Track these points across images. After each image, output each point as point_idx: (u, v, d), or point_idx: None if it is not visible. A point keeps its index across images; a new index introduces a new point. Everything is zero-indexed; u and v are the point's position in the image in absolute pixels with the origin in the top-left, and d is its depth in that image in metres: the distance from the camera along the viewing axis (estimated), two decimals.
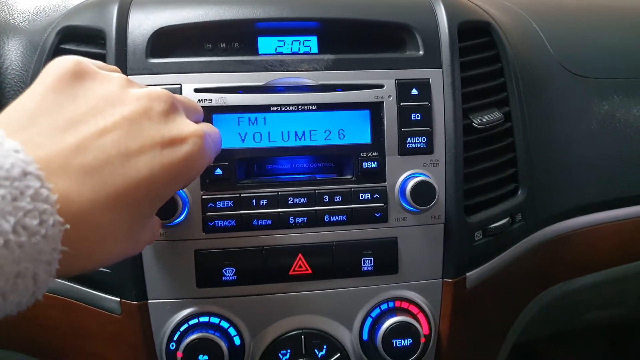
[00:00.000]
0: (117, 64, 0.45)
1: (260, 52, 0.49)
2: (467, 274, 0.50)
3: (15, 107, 0.28)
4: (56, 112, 0.28)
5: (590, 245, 0.59)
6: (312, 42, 0.50)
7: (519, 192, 0.53)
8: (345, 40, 0.50)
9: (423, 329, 0.48)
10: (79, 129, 0.28)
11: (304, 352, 0.47)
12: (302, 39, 0.49)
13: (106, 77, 0.31)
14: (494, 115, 0.51)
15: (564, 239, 0.58)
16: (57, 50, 0.48)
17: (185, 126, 0.33)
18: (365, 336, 0.48)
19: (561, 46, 0.62)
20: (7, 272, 0.22)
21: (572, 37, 0.64)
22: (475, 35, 0.53)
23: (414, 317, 0.48)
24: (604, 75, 0.62)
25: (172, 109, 0.33)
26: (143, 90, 0.32)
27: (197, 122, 0.38)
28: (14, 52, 0.50)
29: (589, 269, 0.60)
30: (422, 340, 0.47)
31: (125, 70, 0.46)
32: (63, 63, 0.30)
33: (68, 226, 0.25)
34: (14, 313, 0.25)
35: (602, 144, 0.60)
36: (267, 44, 0.49)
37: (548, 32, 0.63)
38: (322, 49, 0.49)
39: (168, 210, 0.43)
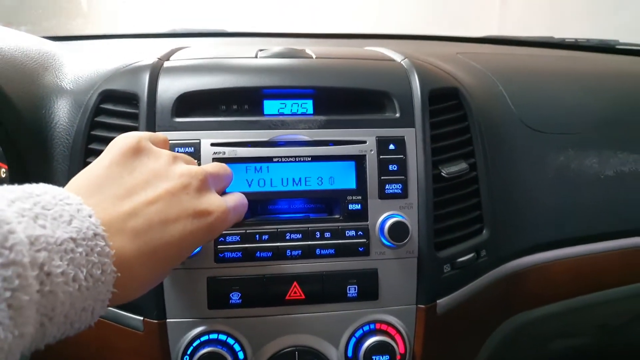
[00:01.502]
0: (147, 122, 0.55)
1: (265, 112, 0.59)
2: (437, 301, 0.58)
3: (87, 174, 0.38)
4: (117, 182, 0.37)
5: (547, 279, 0.68)
6: (308, 105, 0.60)
7: (484, 231, 0.62)
8: (336, 103, 0.60)
9: (399, 348, 0.56)
10: (133, 198, 0.37)
11: None
12: (300, 102, 0.60)
13: (157, 154, 0.41)
14: (460, 166, 0.61)
15: (524, 273, 0.66)
16: (98, 109, 0.59)
17: (212, 201, 0.41)
18: (349, 353, 0.56)
19: (522, 105, 0.72)
20: (77, 308, 0.31)
21: (533, 97, 0.75)
22: (444, 99, 0.63)
23: (392, 337, 0.56)
24: (560, 131, 0.72)
25: (204, 185, 0.42)
26: (184, 168, 0.41)
27: (226, 185, 0.48)
28: (62, 110, 0.60)
29: (546, 300, 0.68)
30: (398, 357, 0.55)
31: (153, 127, 0.56)
32: (127, 140, 0.40)
33: (119, 274, 0.33)
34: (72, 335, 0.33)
35: (558, 191, 0.69)
36: (271, 106, 0.59)
37: (511, 92, 0.74)
38: (316, 110, 0.60)
39: None
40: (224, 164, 0.49)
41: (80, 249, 0.31)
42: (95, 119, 0.58)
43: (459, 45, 1.14)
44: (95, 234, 0.32)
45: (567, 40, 1.23)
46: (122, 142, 0.40)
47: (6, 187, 0.31)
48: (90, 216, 0.32)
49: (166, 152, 0.42)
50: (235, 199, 0.47)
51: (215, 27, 1.15)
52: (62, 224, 0.30)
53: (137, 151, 0.40)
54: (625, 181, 0.71)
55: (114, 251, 0.33)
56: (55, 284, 0.29)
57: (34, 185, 0.32)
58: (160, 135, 0.46)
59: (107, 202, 0.36)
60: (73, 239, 0.30)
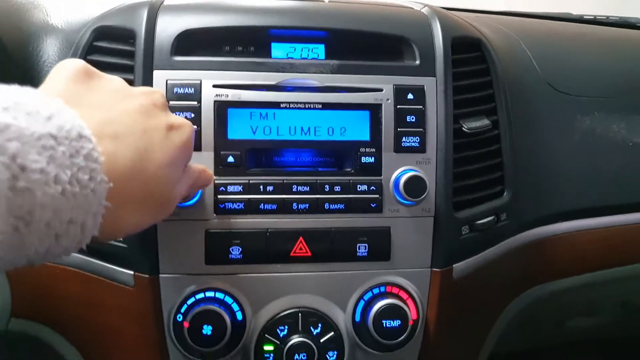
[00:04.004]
0: (144, 60, 0.51)
1: (273, 56, 0.54)
2: (454, 265, 0.54)
3: (46, 92, 0.32)
4: (81, 98, 0.33)
5: (571, 250, 0.63)
6: (320, 50, 0.55)
7: (505, 193, 0.58)
8: (350, 49, 0.55)
9: (411, 313, 0.52)
10: (106, 109, 0.33)
11: (300, 329, 0.51)
12: (311, 46, 0.55)
13: (110, 77, 0.37)
14: (482, 122, 0.56)
15: (547, 242, 0.62)
16: (91, 47, 0.54)
17: (179, 118, 0.39)
18: (357, 317, 0.52)
19: (548, 66, 0.68)
20: (62, 217, 0.26)
21: (559, 58, 0.70)
22: (467, 50, 0.58)
23: (403, 301, 0.52)
24: (586, 94, 0.67)
25: (166, 103, 0.39)
26: (145, 88, 0.39)
27: None
28: (52, 48, 0.55)
29: (570, 272, 0.64)
30: (410, 323, 0.51)
31: (151, 66, 0.51)
32: (74, 63, 0.35)
33: (112, 184, 0.29)
34: (61, 257, 0.29)
35: (582, 157, 0.64)
36: (279, 50, 0.55)
37: (536, 52, 0.69)
38: (328, 56, 0.55)
39: None
40: None
41: (62, 148, 0.26)
42: (88, 57, 0.54)
43: (475, 16, 1.09)
44: (81, 136, 0.27)
45: (585, 16, 1.19)
46: (67, 64, 0.35)
47: None
48: (74, 117, 0.28)
49: (118, 77, 0.38)
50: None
51: None
52: (40, 119, 0.26)
53: (88, 73, 0.35)
54: None
55: (103, 157, 0.28)
56: (31, 181, 0.24)
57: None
58: None
59: (80, 111, 0.30)
60: (53, 136, 0.26)
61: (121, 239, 0.50)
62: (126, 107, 0.34)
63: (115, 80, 0.37)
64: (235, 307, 0.50)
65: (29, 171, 0.24)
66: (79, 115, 0.28)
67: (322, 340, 0.51)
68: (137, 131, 0.33)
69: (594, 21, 1.16)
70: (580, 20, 1.17)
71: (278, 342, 0.51)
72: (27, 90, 0.28)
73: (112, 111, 0.33)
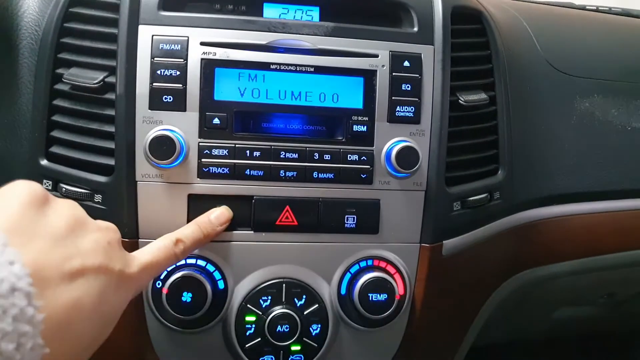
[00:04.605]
0: (130, 14, 0.48)
1: (264, 16, 0.52)
2: (443, 242, 0.53)
3: None
4: (35, 228, 0.29)
5: (564, 234, 0.62)
6: (314, 12, 0.53)
7: (499, 172, 0.56)
8: (346, 13, 0.53)
9: (398, 288, 0.50)
10: (65, 242, 0.30)
11: (283, 300, 0.49)
12: (305, 8, 0.52)
13: (65, 204, 0.33)
14: (480, 96, 0.54)
15: (540, 225, 0.61)
16: None
17: (134, 257, 0.38)
18: (343, 290, 0.50)
19: (549, 45, 0.66)
20: None
21: (560, 39, 0.68)
22: (467, 21, 0.56)
23: (391, 276, 0.50)
24: (587, 75, 0.66)
25: (121, 243, 0.37)
26: (100, 222, 0.36)
27: None
28: None
29: (560, 257, 0.63)
30: (397, 297, 0.49)
31: (137, 20, 0.48)
32: (30, 186, 0.31)
33: (48, 350, 0.25)
34: None
35: (579, 139, 0.63)
36: (272, 10, 0.52)
37: (537, 31, 0.67)
38: (323, 20, 0.52)
39: (166, 151, 0.46)
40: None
41: None
42: (70, 9, 0.51)
43: None
44: (14, 289, 0.23)
45: (587, 7, 1.17)
46: (24, 188, 0.31)
47: None
48: (11, 263, 0.24)
49: (71, 202, 0.34)
50: (150, 252, 0.41)
51: None
52: None
53: (43, 199, 0.31)
54: None
55: (42, 315, 0.24)
56: None
57: None
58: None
59: (33, 246, 0.27)
60: None
61: (100, 200, 0.48)
62: (85, 241, 0.32)
63: (71, 207, 0.33)
64: (217, 275, 0.48)
65: None
66: (26, 256, 0.25)
67: (305, 313, 0.50)
68: (97, 269, 0.31)
69: (596, 11, 1.15)
70: (582, 9, 1.15)
71: (260, 313, 0.49)
72: None
73: (72, 245, 0.30)
